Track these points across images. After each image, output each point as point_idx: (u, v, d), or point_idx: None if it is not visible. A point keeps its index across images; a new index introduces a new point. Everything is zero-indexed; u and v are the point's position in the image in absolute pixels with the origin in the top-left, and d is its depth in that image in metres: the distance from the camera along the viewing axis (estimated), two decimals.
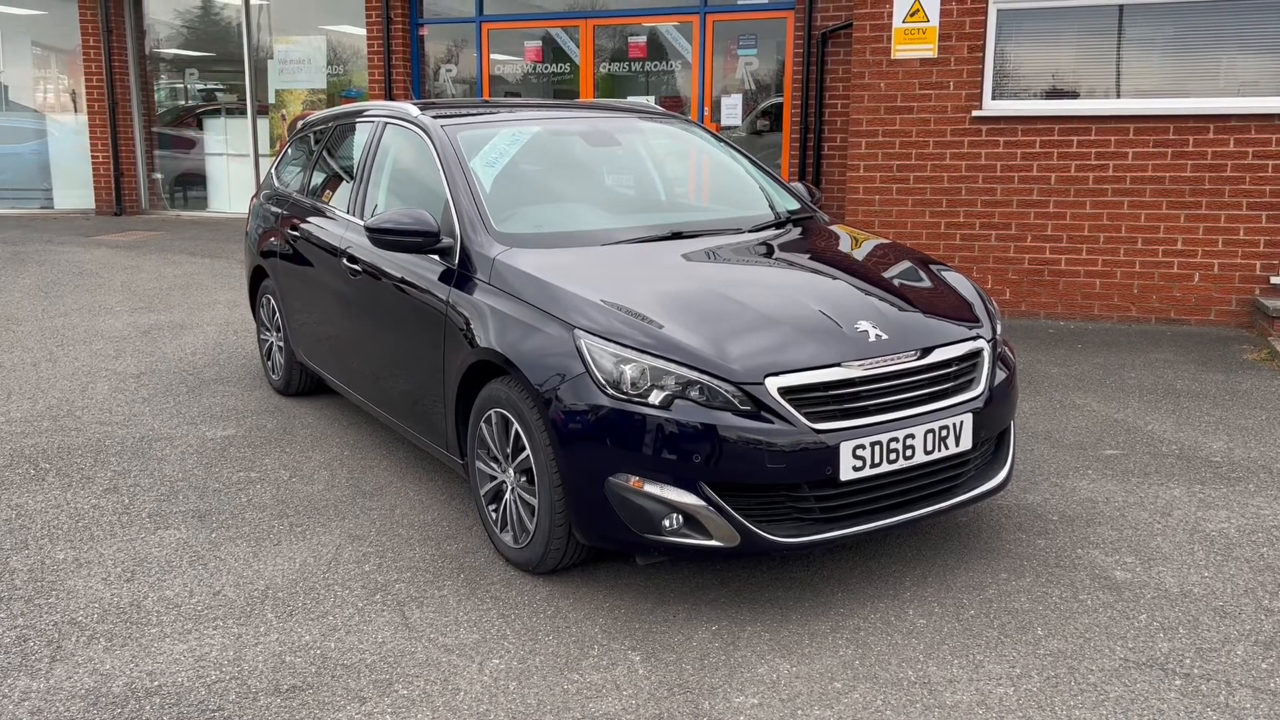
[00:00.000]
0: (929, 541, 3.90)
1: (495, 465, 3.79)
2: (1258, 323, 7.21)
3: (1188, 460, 4.77)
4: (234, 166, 14.30)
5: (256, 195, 6.46)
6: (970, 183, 7.86)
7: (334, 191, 5.34)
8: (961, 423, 3.50)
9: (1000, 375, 3.73)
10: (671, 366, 3.26)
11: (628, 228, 4.19)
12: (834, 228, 4.64)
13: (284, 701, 2.94)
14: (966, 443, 3.53)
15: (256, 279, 6.19)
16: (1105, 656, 3.11)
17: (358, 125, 5.32)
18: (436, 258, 4.12)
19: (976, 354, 3.67)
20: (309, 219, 5.34)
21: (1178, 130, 7.33)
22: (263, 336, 6.21)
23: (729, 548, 3.24)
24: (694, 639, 3.25)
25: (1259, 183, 7.22)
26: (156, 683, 3.04)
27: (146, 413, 5.66)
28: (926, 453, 3.42)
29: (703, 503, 3.21)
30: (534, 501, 3.55)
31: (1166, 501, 4.29)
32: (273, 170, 6.37)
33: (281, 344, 5.87)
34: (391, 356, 4.43)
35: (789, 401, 3.23)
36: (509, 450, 3.67)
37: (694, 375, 3.24)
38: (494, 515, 3.84)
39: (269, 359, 6.14)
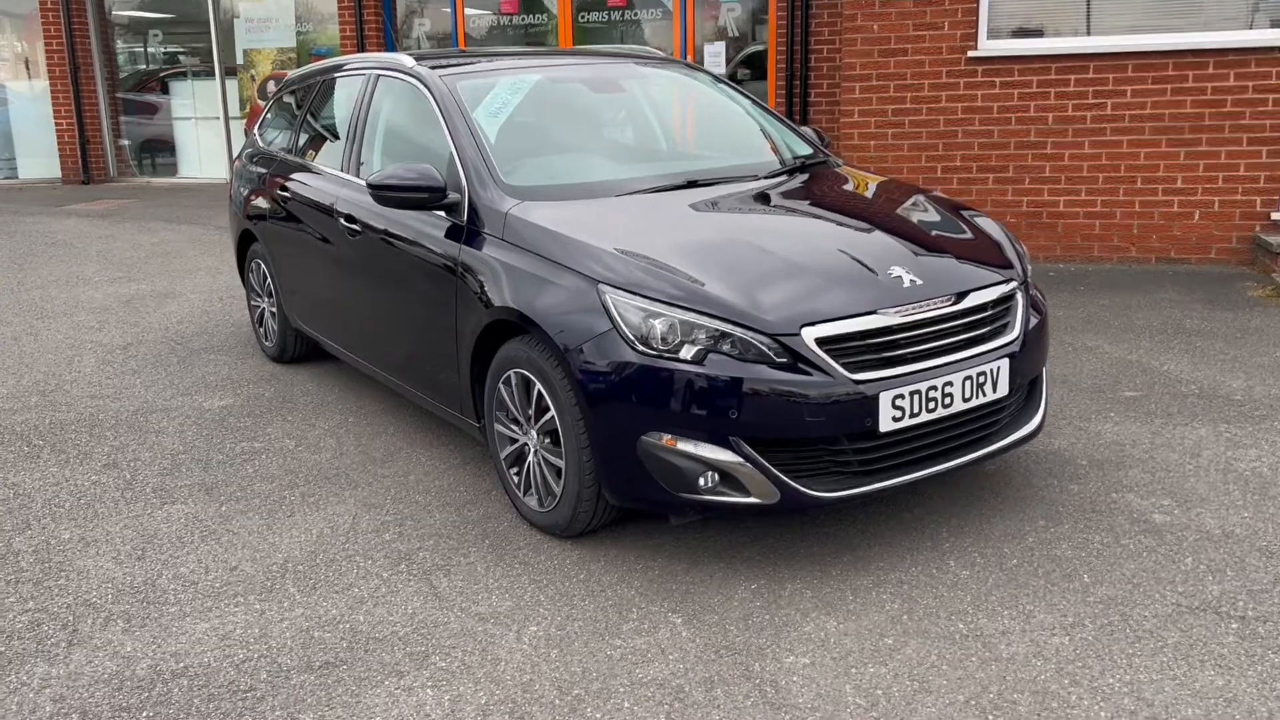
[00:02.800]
0: (960, 491, 3.83)
1: (515, 427, 3.67)
2: (1259, 260, 7.16)
3: (1209, 399, 4.72)
4: (203, 130, 13.94)
5: (239, 157, 6.24)
6: (966, 125, 7.73)
7: (324, 150, 5.14)
8: (998, 368, 3.41)
9: (1033, 319, 3.63)
10: (703, 320, 3.13)
11: (641, 177, 4.04)
12: (850, 171, 4.51)
13: (318, 678, 2.82)
14: (1003, 389, 3.44)
15: (244, 244, 6.00)
16: (1157, 602, 3.05)
17: (346, 79, 5.12)
18: (442, 214, 3.97)
19: (1010, 297, 3.57)
20: (299, 179, 5.15)
21: (1177, 66, 7.22)
22: (253, 303, 6.02)
23: (767, 504, 3.14)
24: (734, 599, 3.16)
25: (1259, 117, 7.13)
26: (182, 664, 2.91)
27: (138, 385, 5.48)
28: (965, 400, 3.33)
29: (739, 459, 3.11)
30: (560, 464, 3.43)
31: (1194, 442, 4.23)
32: (255, 131, 6.15)
33: (274, 310, 5.69)
34: (397, 319, 4.28)
35: (826, 352, 3.12)
36: (531, 412, 3.54)
37: (727, 328, 3.12)
38: (516, 479, 3.72)
39: (261, 326, 5.96)
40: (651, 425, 3.16)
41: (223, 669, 2.88)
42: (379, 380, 4.74)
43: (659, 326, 3.15)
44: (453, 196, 3.89)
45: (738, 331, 3.11)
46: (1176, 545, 3.38)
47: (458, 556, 3.49)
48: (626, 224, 3.59)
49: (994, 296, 3.48)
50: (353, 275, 4.61)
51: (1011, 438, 3.54)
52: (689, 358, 3.11)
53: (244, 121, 13.53)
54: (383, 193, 3.90)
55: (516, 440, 3.68)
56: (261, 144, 5.91)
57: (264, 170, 5.62)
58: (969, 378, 3.32)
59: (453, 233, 3.89)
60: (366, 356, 4.71)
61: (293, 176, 5.23)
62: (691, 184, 4.00)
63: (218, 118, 13.67)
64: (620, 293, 3.23)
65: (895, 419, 3.18)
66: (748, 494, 3.14)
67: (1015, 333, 3.52)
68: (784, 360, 3.10)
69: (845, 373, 3.11)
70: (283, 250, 5.38)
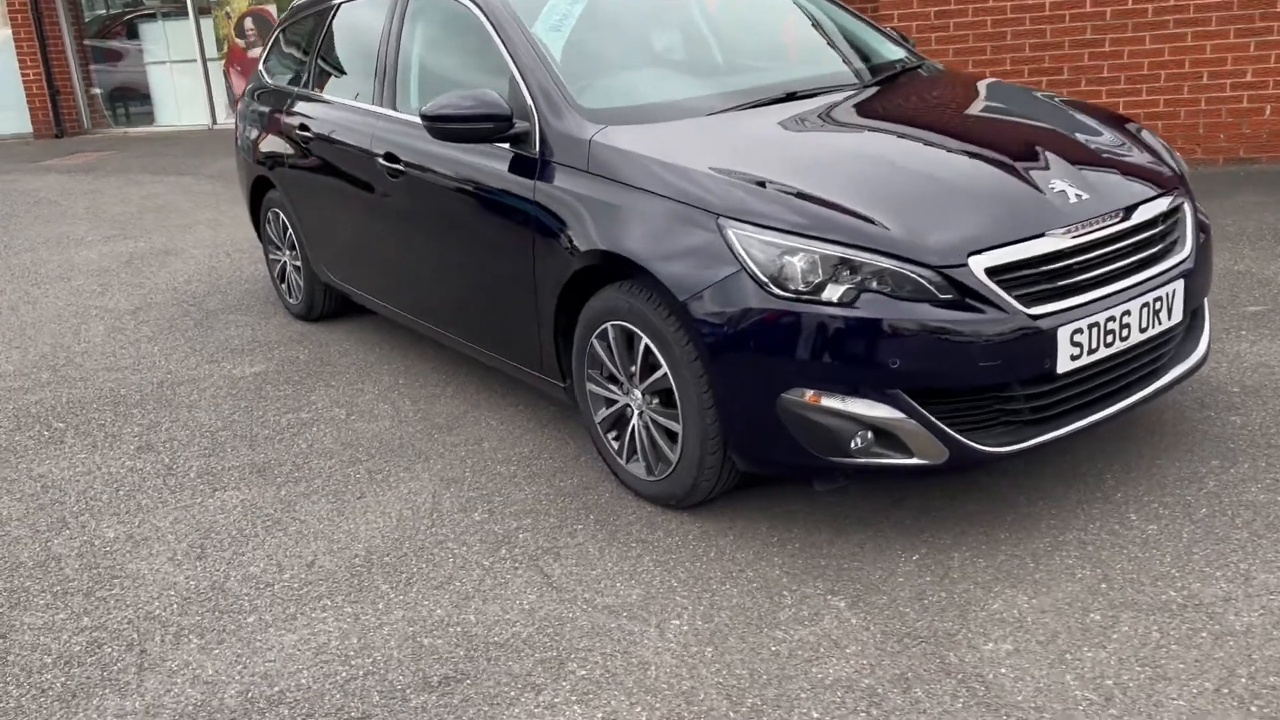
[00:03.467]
0: (1110, 431, 3.41)
1: (614, 387, 3.22)
2: None
3: None
4: (179, 75, 13.21)
5: (245, 97, 5.68)
6: (1016, 25, 7.19)
7: (349, 83, 4.60)
8: (1174, 291, 2.98)
9: (1201, 235, 3.19)
10: (850, 253, 2.68)
11: (731, 92, 3.54)
12: (955, 74, 4.01)
13: (440, 699, 2.41)
14: (1177, 315, 3.02)
15: (258, 192, 5.47)
16: None
17: (368, 2, 4.55)
18: (506, 146, 3.47)
19: (1178, 210, 3.12)
20: (323, 117, 4.62)
21: None
22: (273, 256, 5.52)
23: (933, 465, 2.72)
24: (897, 574, 2.75)
25: None
26: (276, 688, 2.50)
27: (156, 353, 5.00)
28: (1141, 331, 2.90)
29: (900, 415, 2.67)
30: (675, 427, 3.00)
31: None
32: (262, 67, 5.58)
33: (299, 263, 5.20)
34: (455, 268, 3.80)
35: (998, 284, 2.67)
36: (635, 370, 3.10)
37: (880, 261, 2.66)
38: (615, 444, 3.29)
39: (283, 281, 5.46)
40: (793, 381, 2.72)
41: (327, 692, 2.47)
42: (430, 337, 4.27)
43: (798, 264, 2.69)
44: (520, 126, 3.39)
45: (893, 265, 2.66)
46: None
47: (563, 536, 3.07)
48: (733, 146, 3.11)
49: (1163, 209, 3.03)
50: (395, 221, 4.11)
51: (1180, 369, 3.12)
52: (835, 299, 2.66)
53: (222, 63, 12.82)
54: (439, 125, 3.40)
55: (615, 401, 3.24)
56: (271, 81, 5.35)
57: (278, 111, 5.08)
58: (1146, 304, 2.89)
59: (521, 167, 3.40)
60: (415, 311, 4.23)
61: (314, 115, 4.70)
62: (791, 96, 3.51)
63: (194, 61, 12.94)
64: (745, 226, 2.77)
65: (1073, 357, 2.75)
66: (909, 454, 2.72)
67: (1187, 249, 3.08)
68: (949, 296, 2.65)
69: (1020, 307, 2.67)
70: (307, 197, 4.86)
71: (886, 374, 2.65)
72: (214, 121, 13.03)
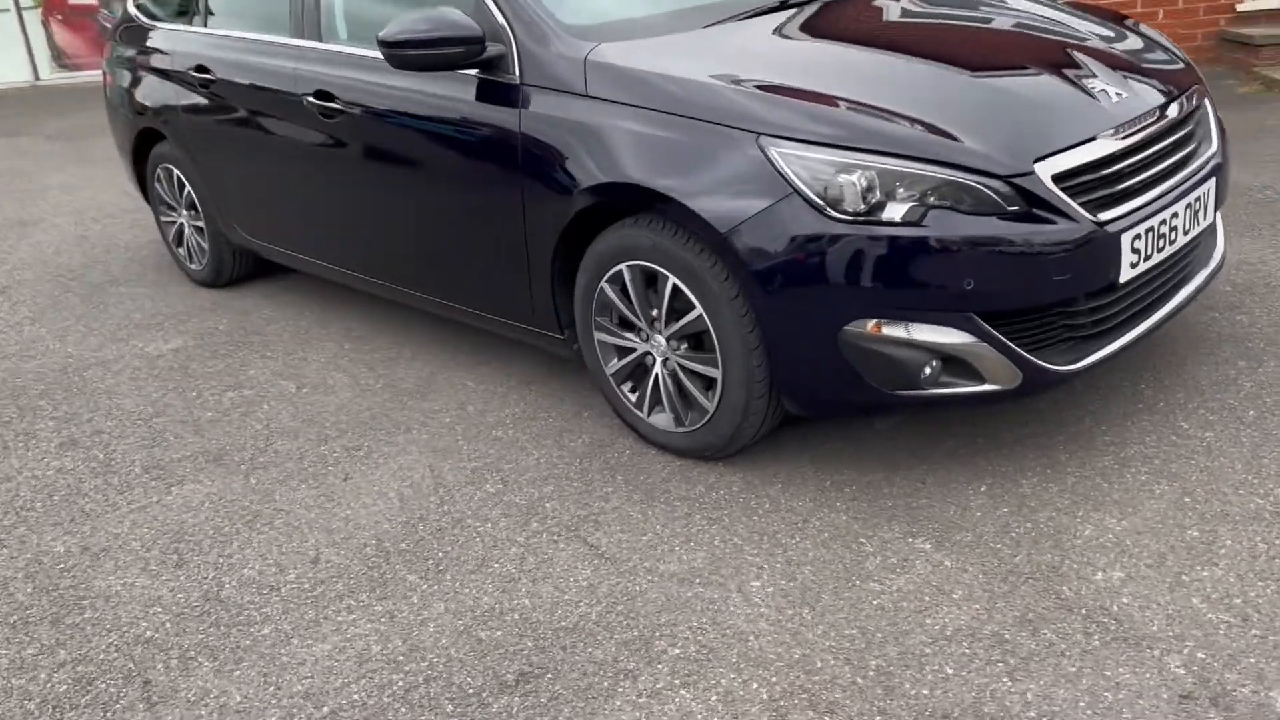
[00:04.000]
0: None
1: (631, 334, 2.94)
2: (1227, 56, 6.88)
3: None
4: None
5: (111, 41, 5.03)
6: None
7: (257, 13, 4.08)
8: (1209, 190, 2.89)
9: (1221, 128, 3.11)
10: (912, 166, 2.46)
11: (720, 3, 3.24)
12: None
13: (525, 700, 2.13)
14: (1211, 213, 2.94)
15: (143, 147, 4.86)
16: None
17: None
18: (472, 73, 3.09)
19: (1201, 106, 3.02)
20: (225, 57, 4.09)
21: None
22: (166, 218, 4.94)
23: (1007, 390, 2.56)
24: (971, 508, 2.60)
25: None
26: (326, 708, 2.16)
27: (45, 336, 4.42)
28: (1185, 233, 2.80)
29: (972, 339, 2.49)
30: (713, 372, 2.74)
31: None
32: (132, 5, 4.93)
33: (201, 224, 4.66)
34: (420, 216, 3.41)
35: (1064, 191, 2.50)
36: (658, 313, 2.82)
37: (945, 174, 2.45)
38: (632, 397, 3.01)
39: (181, 245, 4.91)
40: (857, 312, 2.50)
41: (389, 707, 2.15)
42: (383, 295, 3.87)
43: (857, 182, 2.45)
44: (493, 49, 3.02)
45: (960, 176, 2.45)
46: None
47: (594, 501, 2.80)
48: (751, 57, 2.83)
49: (1192, 106, 2.93)
50: (332, 168, 3.67)
51: (1206, 271, 3.04)
52: (899, 218, 2.44)
53: (39, 12, 11.61)
54: (401, 52, 3.00)
55: (631, 350, 2.96)
56: (146, 20, 4.73)
57: (162, 52, 4.49)
58: (1189, 205, 2.79)
59: (495, 95, 3.04)
60: (364, 268, 3.82)
61: (213, 54, 4.16)
62: (784, 4, 3.24)
63: (7, 10, 11.65)
64: (791, 144, 2.51)
65: (1133, 265, 2.62)
66: (982, 380, 2.54)
67: (1214, 145, 2.99)
68: (1016, 208, 2.46)
69: (1088, 215, 2.51)
70: (210, 149, 4.33)
71: (960, 296, 2.46)
72: (36, 77, 11.82)
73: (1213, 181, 2.90)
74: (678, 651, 2.21)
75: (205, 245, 4.70)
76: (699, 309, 2.70)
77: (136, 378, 3.89)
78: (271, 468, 3.15)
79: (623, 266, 2.84)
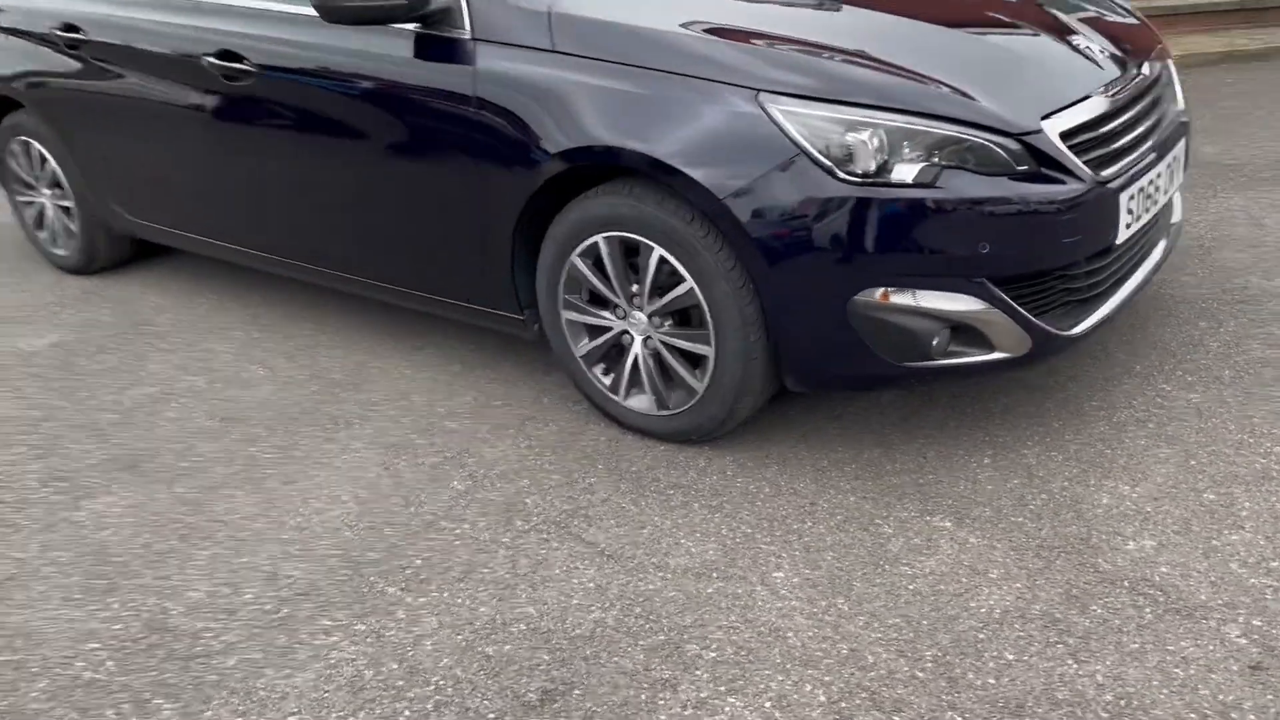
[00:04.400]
0: None
1: (606, 312, 2.73)
2: None
3: (1212, 166, 4.48)
4: None
5: None
6: None
7: None
8: (1182, 148, 2.87)
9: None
10: (924, 124, 2.32)
11: None
12: None
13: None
14: (1181, 174, 2.92)
15: None
16: None
17: None
18: (410, 28, 2.81)
19: (1166, 64, 3.01)
20: (100, 13, 3.63)
21: None
22: (24, 198, 4.41)
23: (1015, 358, 2.46)
24: (981, 481, 2.50)
25: None
26: None
27: None
28: (1164, 192, 2.77)
29: (984, 305, 2.39)
30: (703, 350, 2.56)
31: (1241, 208, 3.96)
32: None
33: (68, 204, 4.17)
34: (352, 189, 3.09)
35: (1070, 149, 2.42)
36: (639, 289, 2.62)
37: (958, 132, 2.33)
38: (606, 379, 2.80)
39: (42, 229, 4.39)
40: (868, 280, 2.36)
41: None
42: (299, 279, 3.52)
43: (868, 140, 2.30)
44: (438, 1, 2.74)
45: (972, 134, 2.33)
46: None
47: (579, 494, 2.58)
48: (741, 9, 2.65)
49: (1161, 64, 2.90)
50: (239, 139, 3.30)
51: (1170, 233, 3.04)
52: (911, 179, 2.30)
53: None
54: (336, 4, 2.69)
55: (607, 329, 2.74)
56: None
57: (18, 8, 3.97)
58: (1169, 164, 2.76)
59: (441, 52, 2.76)
60: (280, 249, 3.46)
61: (85, 11, 3.69)
62: None
63: None
64: (794, 100, 2.34)
65: (1127, 225, 2.57)
66: (992, 348, 2.44)
67: (1180, 102, 2.98)
68: (1026, 167, 2.36)
69: (1091, 173, 2.44)
70: (82, 119, 3.85)
71: (974, 261, 2.34)
72: None
73: (1184, 141, 2.89)
74: (714, 655, 2.03)
75: (74, 228, 4.21)
76: (689, 282, 2.50)
77: (17, 380, 3.43)
78: (197, 474, 2.80)
79: (598, 238, 2.62)
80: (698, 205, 2.43)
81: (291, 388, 3.24)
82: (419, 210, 2.93)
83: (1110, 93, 2.58)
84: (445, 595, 2.25)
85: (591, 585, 2.25)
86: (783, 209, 2.33)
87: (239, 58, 3.17)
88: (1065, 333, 2.50)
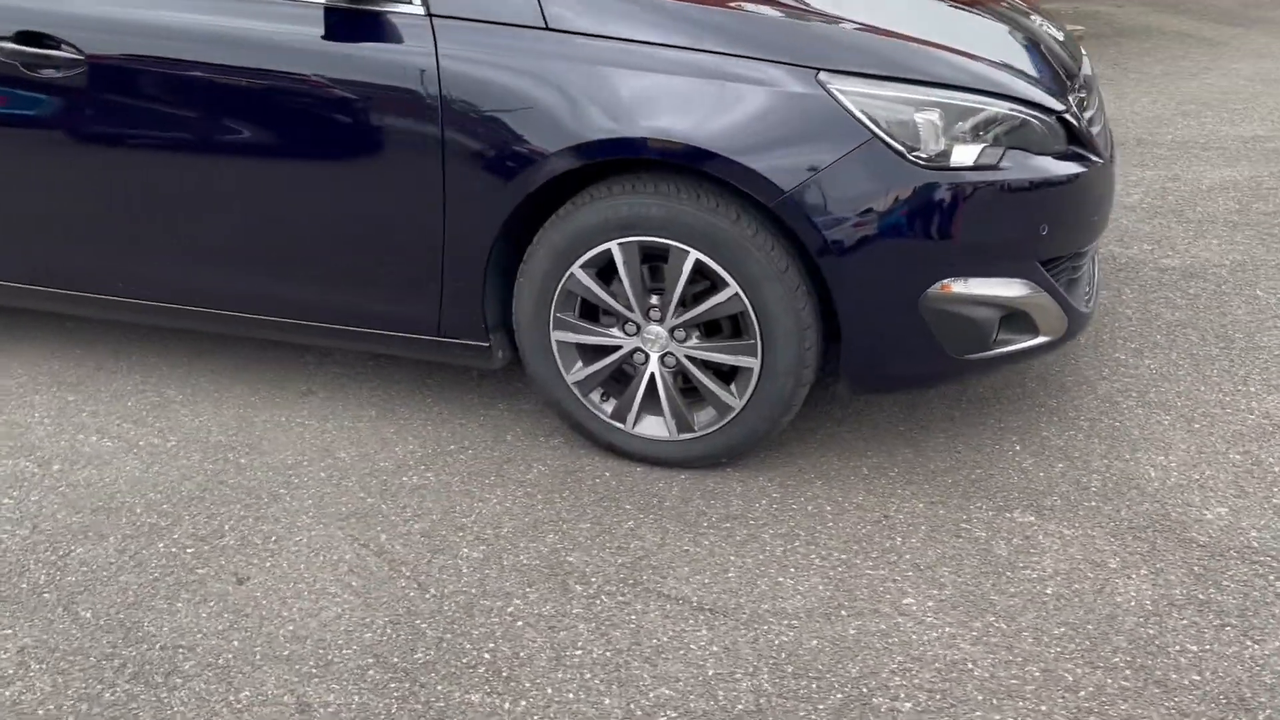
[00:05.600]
0: None
1: (615, 329, 2.38)
2: None
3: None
4: None
5: None
6: None
7: None
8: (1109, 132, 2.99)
9: None
10: (985, 102, 2.20)
11: None
12: None
13: None
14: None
15: None
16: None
17: None
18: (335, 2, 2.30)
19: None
20: None
21: None
22: None
23: (1054, 340, 2.41)
24: (1026, 469, 2.45)
25: None
26: None
27: None
28: None
29: (1033, 289, 2.32)
30: (746, 361, 2.29)
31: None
32: None
33: None
34: (247, 208, 2.47)
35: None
36: (665, 300, 2.29)
37: (1013, 110, 2.23)
38: (607, 406, 2.45)
39: None
40: (943, 270, 2.21)
41: None
42: (152, 323, 2.79)
43: (935, 122, 2.14)
44: None
45: (1027, 113, 2.24)
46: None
47: (629, 543, 2.23)
48: None
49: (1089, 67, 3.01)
50: (68, 149, 2.56)
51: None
52: (972, 162, 2.18)
53: None
54: None
55: (614, 348, 2.39)
56: None
57: None
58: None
59: (380, 33, 2.28)
60: (149, 292, 2.69)
61: None
62: None
63: None
64: (856, 80, 2.14)
65: None
66: (1036, 332, 2.38)
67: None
68: (1061, 147, 2.32)
69: (1105, 153, 2.45)
70: None
71: (1035, 244, 2.27)
72: None
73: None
74: (909, 705, 1.79)
75: None
76: (734, 287, 2.22)
77: None
78: (99, 591, 2.11)
79: (612, 245, 2.26)
80: (745, 201, 2.16)
81: (163, 458, 2.55)
82: (355, 228, 2.40)
83: (1075, 84, 2.61)
84: (550, 692, 1.83)
85: (716, 649, 1.92)
86: (856, 198, 2.12)
87: (56, 42, 2.44)
88: (1085, 311, 2.49)
